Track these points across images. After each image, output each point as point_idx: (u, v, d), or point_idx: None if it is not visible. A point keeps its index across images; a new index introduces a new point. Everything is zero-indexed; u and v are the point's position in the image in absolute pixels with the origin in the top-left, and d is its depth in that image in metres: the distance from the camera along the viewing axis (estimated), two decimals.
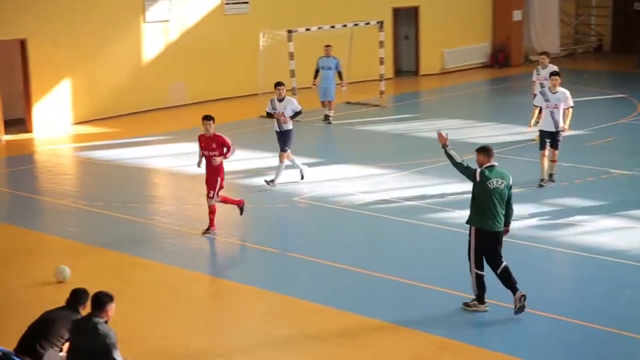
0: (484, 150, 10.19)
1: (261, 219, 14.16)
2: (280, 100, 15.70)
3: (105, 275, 11.63)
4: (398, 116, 22.79)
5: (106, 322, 7.49)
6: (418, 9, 28.92)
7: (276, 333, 9.82)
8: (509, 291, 10.00)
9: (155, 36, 23.68)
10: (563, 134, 15.19)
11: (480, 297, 10.17)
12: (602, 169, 16.24)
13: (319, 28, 22.91)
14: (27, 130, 21.43)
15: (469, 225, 10.21)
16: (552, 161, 15.34)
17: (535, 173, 15.79)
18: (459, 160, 10.36)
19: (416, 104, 25.53)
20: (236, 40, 24.98)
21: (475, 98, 25.96)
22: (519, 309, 9.86)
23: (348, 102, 23.92)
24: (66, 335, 7.90)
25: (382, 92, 23.87)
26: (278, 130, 15.70)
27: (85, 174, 18.01)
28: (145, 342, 9.55)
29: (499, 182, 9.98)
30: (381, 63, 23.80)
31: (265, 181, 15.71)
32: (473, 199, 10.15)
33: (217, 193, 13.01)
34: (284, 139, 15.65)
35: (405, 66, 29.83)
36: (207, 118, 13.02)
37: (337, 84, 21.73)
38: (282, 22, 23.75)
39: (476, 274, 10.10)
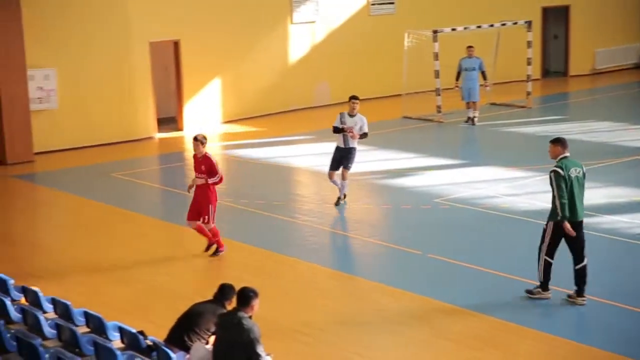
0: (560, 142, 10.59)
1: (402, 219, 14.15)
2: (352, 115, 14.50)
3: (249, 270, 11.90)
4: (545, 118, 22.26)
5: (250, 317, 7.66)
6: (569, 7, 28.13)
7: (411, 334, 9.79)
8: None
9: (301, 37, 24.06)
10: None
11: (544, 285, 10.44)
12: None
13: (465, 28, 22.66)
14: (179, 128, 22.21)
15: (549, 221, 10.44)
16: None
17: None
18: (564, 201, 10.36)
19: (564, 105, 24.85)
20: (381, 40, 25.05)
21: (627, 100, 25.00)
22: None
23: (493, 103, 23.55)
24: (212, 328, 8.14)
25: (528, 93, 23.37)
26: (343, 146, 14.54)
27: (232, 172, 18.47)
28: (287, 337, 9.73)
29: (577, 171, 10.35)
30: (528, 63, 23.31)
31: (339, 200, 14.82)
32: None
33: (213, 217, 12.25)
34: (348, 156, 14.54)
35: (554, 67, 29.08)
36: (196, 139, 12.12)
37: (481, 85, 21.45)
38: (428, 22, 23.64)
39: (546, 261, 10.39)
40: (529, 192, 15.15)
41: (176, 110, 22.49)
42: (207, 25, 22.17)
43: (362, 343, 9.63)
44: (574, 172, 10.35)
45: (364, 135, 14.56)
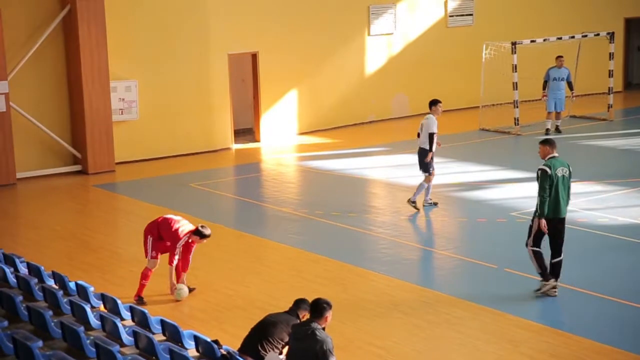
0: (549, 143, 11.08)
1: (477, 232, 14.02)
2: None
3: (324, 282, 11.94)
4: (627, 131, 21.79)
5: (324, 328, 7.70)
6: None
7: (488, 349, 9.68)
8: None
9: (379, 49, 24.07)
10: None
11: (544, 274, 11.01)
12: None
13: (545, 40, 22.36)
14: (255, 139, 22.44)
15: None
16: None
17: None
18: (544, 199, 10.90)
19: None
20: (459, 52, 24.89)
21: None
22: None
23: (573, 116, 23.17)
24: (286, 339, 8.20)
25: (610, 106, 22.92)
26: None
27: (308, 183, 18.59)
28: (361, 350, 9.73)
29: (564, 171, 10.93)
30: (610, 75, 22.87)
31: (431, 202, 15.23)
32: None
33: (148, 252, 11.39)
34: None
35: (636, 79, 28.46)
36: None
37: (567, 96, 21.32)
38: (506, 34, 23.41)
39: (534, 251, 11.01)
40: (608, 207, 14.85)
41: (253, 122, 22.74)
42: (284, 38, 22.36)
43: (439, 355, 9.56)
44: (560, 172, 10.91)
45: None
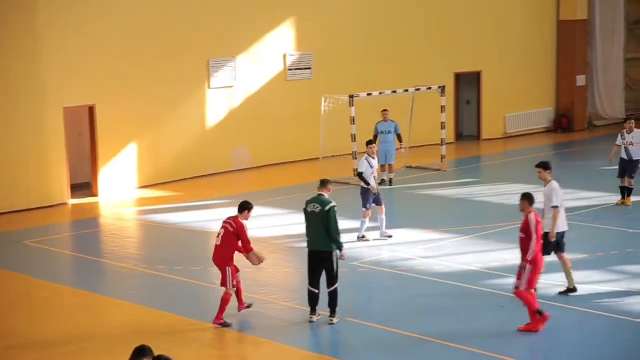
0: (321, 183, 12.21)
1: (321, 283, 14.11)
2: (374, 158, 16.61)
3: (167, 339, 11.68)
4: (459, 180, 22.69)
5: None
6: (480, 74, 28.98)
7: None
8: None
9: (219, 101, 24.12)
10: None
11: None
12: None
13: (381, 93, 23.09)
14: (93, 194, 21.87)
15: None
16: None
17: (600, 238, 15.54)
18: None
19: (478, 168, 25.40)
20: (299, 105, 25.30)
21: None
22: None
23: (409, 167, 23.93)
24: None
25: (443, 157, 23.84)
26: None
27: (149, 237, 18.25)
28: None
29: (315, 207, 11.87)
30: (442, 127, 23.82)
31: (385, 237, 16.38)
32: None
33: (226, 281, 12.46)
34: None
35: (467, 131, 29.81)
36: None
37: (397, 148, 21.93)
38: (344, 87, 24.00)
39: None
40: (444, 255, 15.33)
41: (91, 176, 22.18)
42: (122, 90, 22.05)
43: None
44: (310, 208, 11.92)
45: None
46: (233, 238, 12.25)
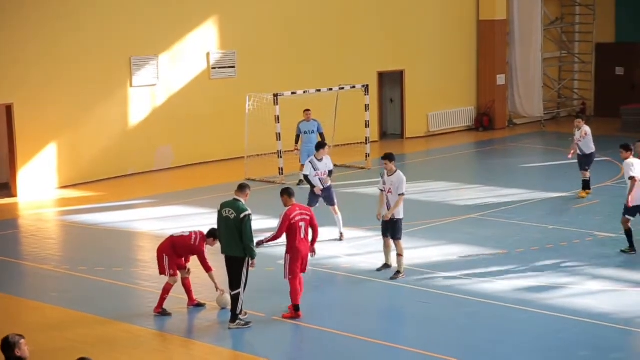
0: (239, 187, 12.01)
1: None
2: (320, 160, 16.76)
3: (90, 341, 11.49)
4: None
5: None
6: (403, 72, 29.25)
7: None
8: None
9: (142, 100, 23.80)
10: None
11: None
12: (587, 232, 16.29)
13: (305, 92, 23.11)
14: (12, 194, 21.36)
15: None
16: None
17: (521, 234, 15.85)
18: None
19: (401, 166, 25.36)
20: (223, 103, 25.14)
21: (460, 161, 26.11)
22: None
23: (334, 165, 23.96)
24: None
25: (367, 155, 23.99)
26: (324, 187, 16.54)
27: (69, 238, 17.91)
28: None
29: (229, 212, 11.66)
30: (367, 126, 23.97)
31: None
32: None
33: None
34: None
35: (391, 129, 30.07)
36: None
37: None
38: (269, 86, 23.95)
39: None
40: (369, 252, 15.42)
41: (9, 176, 21.65)
42: (42, 89, 21.59)
43: None
44: (225, 212, 11.73)
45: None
46: (187, 251, 12.59)
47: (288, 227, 12.02)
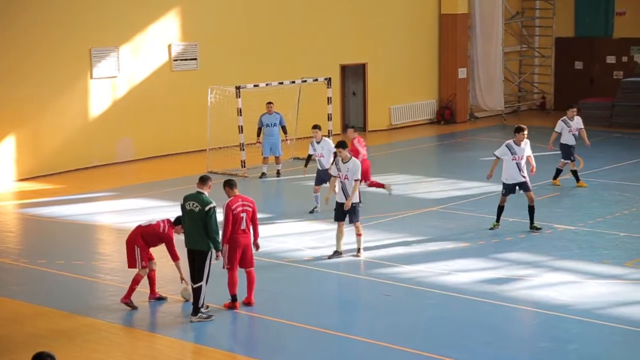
0: (201, 179, 11.98)
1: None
2: (318, 142, 18.21)
3: (49, 335, 11.38)
4: None
5: None
6: (365, 65, 29.32)
7: None
8: None
9: (102, 92, 23.59)
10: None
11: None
12: (546, 224, 16.46)
13: (267, 84, 23.07)
14: None
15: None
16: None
17: (480, 227, 15.99)
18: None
19: None
20: (185, 96, 25.00)
21: (422, 154, 26.25)
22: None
23: (296, 158, 23.99)
24: None
25: None
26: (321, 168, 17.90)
27: (28, 232, 17.70)
28: None
29: (194, 205, 11.68)
30: (329, 119, 24.00)
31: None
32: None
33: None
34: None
35: (353, 122, 30.08)
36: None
37: (282, 140, 21.98)
38: (231, 79, 23.86)
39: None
40: (332, 245, 15.42)
41: None
42: (1, 80, 21.29)
43: None
44: (189, 205, 11.75)
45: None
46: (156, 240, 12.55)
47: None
